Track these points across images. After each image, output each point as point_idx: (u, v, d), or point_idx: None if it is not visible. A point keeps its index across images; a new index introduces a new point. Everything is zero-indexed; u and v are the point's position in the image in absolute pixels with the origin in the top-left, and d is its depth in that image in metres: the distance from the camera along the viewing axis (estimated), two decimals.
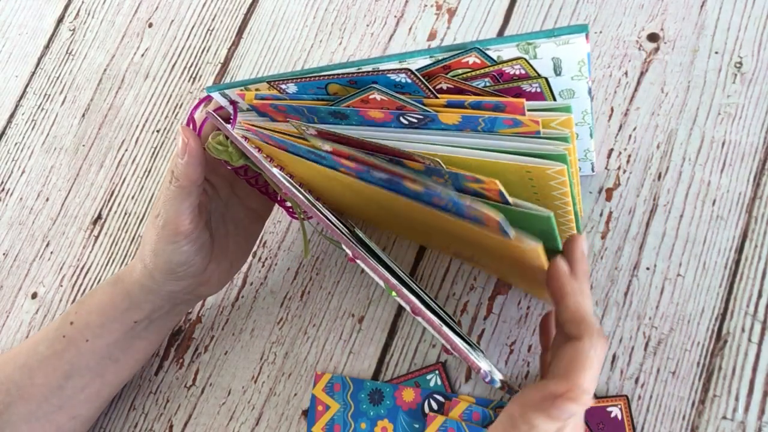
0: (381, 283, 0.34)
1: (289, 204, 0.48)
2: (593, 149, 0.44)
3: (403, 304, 0.34)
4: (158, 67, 0.63)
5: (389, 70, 0.34)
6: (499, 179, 0.35)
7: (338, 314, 0.51)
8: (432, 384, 0.48)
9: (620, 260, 0.47)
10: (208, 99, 0.43)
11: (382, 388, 0.48)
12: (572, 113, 0.34)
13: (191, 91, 0.61)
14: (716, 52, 0.49)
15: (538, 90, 0.35)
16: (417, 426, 0.47)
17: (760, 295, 0.44)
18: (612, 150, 0.49)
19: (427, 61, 0.34)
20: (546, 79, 0.34)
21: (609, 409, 0.44)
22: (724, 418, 0.43)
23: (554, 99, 0.36)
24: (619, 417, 0.44)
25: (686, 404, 0.44)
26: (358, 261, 0.34)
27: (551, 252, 0.41)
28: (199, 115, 0.43)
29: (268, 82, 0.38)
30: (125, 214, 0.59)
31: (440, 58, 0.34)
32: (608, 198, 0.48)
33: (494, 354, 0.47)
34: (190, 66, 0.62)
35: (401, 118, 0.36)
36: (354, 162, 0.36)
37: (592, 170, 0.48)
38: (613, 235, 0.48)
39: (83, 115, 0.64)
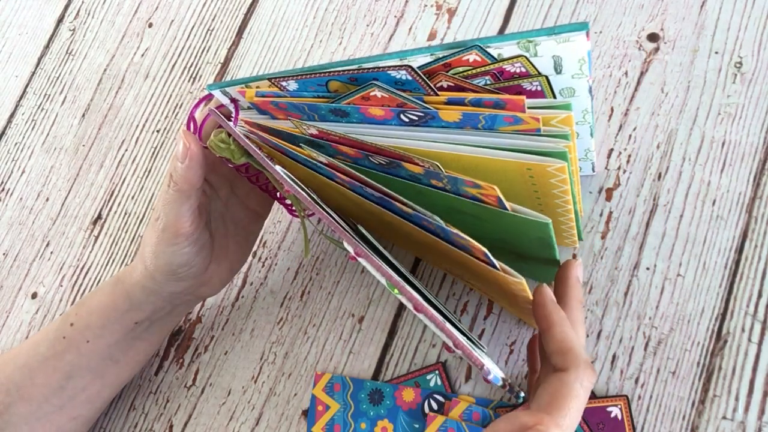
0: (383, 280, 0.34)
1: (289, 202, 0.48)
2: (594, 149, 0.44)
3: (404, 301, 0.34)
4: (158, 67, 0.63)
5: (390, 67, 0.34)
6: (500, 177, 0.35)
7: (338, 314, 0.51)
8: (432, 384, 0.47)
9: (620, 260, 0.47)
10: (208, 97, 0.43)
11: (382, 388, 0.48)
12: (573, 111, 0.34)
13: (191, 91, 0.61)
14: (716, 52, 0.49)
15: (539, 88, 0.35)
16: (417, 426, 0.47)
17: (760, 295, 0.44)
18: (612, 150, 0.49)
19: (428, 59, 0.34)
20: (546, 78, 0.34)
21: (609, 409, 0.44)
22: (724, 418, 0.43)
23: (555, 97, 0.36)
24: (619, 417, 0.44)
25: (686, 404, 0.43)
26: (359, 259, 0.34)
27: (549, 262, 0.41)
28: (199, 114, 0.43)
29: (269, 80, 0.38)
30: (125, 214, 0.59)
31: (441, 55, 0.34)
32: (608, 198, 0.48)
33: (494, 354, 0.47)
34: (190, 66, 0.62)
35: (402, 116, 0.36)
36: (348, 177, 0.36)
37: (593, 170, 0.48)
38: (613, 235, 0.48)
39: (83, 115, 0.64)
